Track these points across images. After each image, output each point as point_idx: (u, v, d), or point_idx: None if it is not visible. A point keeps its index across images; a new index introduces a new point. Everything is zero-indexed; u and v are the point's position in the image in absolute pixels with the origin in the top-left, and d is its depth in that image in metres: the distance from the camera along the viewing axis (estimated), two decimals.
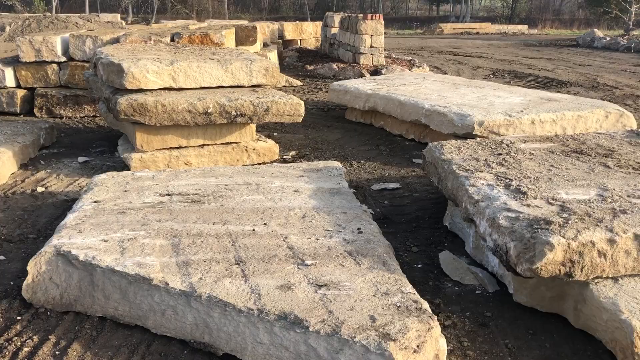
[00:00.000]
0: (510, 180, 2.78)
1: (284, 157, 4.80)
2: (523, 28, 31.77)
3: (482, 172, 2.92)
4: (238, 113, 4.06)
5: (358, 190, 4.02)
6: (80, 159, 4.55)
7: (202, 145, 4.31)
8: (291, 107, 4.15)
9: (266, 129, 5.77)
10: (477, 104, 4.91)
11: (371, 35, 10.06)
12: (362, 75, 9.19)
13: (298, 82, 9.01)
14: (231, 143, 4.40)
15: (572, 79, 9.98)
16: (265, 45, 11.35)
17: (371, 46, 10.11)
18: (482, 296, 2.58)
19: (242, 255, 2.43)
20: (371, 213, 3.60)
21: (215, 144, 4.33)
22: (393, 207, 3.69)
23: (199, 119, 4.03)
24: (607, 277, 2.28)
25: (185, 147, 4.25)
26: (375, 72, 9.46)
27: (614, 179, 2.82)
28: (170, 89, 4.20)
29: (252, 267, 2.33)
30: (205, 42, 6.44)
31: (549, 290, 2.40)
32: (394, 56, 13.13)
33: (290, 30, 15.13)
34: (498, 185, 2.73)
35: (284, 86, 8.76)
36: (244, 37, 7.88)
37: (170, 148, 4.21)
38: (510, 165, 3.01)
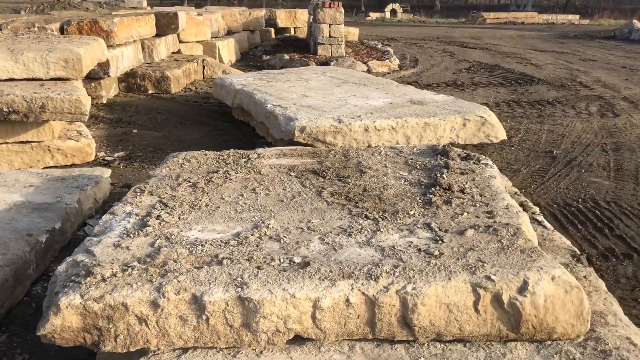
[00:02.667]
0: (164, 208, 2.26)
1: (107, 157, 4.37)
2: (574, 18, 29.74)
3: (152, 195, 2.40)
4: (11, 110, 3.65)
5: None
6: None
7: None
8: (70, 104, 3.70)
9: (132, 125, 5.37)
10: (326, 106, 4.33)
11: (330, 25, 9.45)
12: (308, 65, 8.61)
13: (238, 73, 8.52)
14: (30, 142, 4.00)
15: (547, 76, 9.06)
16: (230, 33, 10.92)
17: (330, 36, 9.50)
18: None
19: None
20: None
21: (8, 143, 3.95)
22: None
23: None
24: (179, 348, 1.75)
25: None
26: (324, 63, 8.86)
27: (296, 212, 2.25)
28: None
29: None
30: (94, 30, 6.07)
31: (122, 358, 1.89)
32: (379, 47, 12.43)
33: (283, 17, 14.60)
34: (138, 215, 2.21)
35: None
36: (166, 25, 7.48)
37: None
38: (202, 189, 2.48)
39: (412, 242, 2.01)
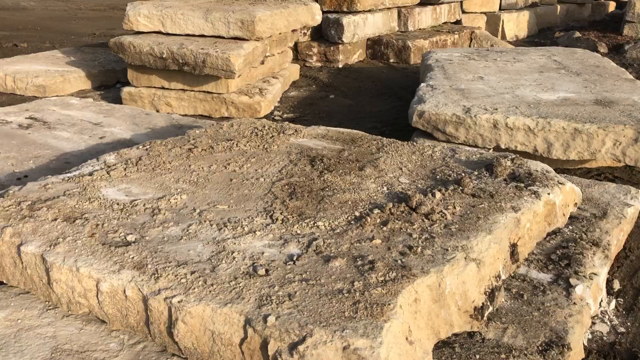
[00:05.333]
0: (130, 164, 2.38)
1: (276, 117, 4.65)
2: None
3: (145, 150, 2.54)
4: (183, 61, 4.20)
5: None
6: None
7: (183, 90, 4.60)
8: (222, 62, 4.03)
9: (335, 90, 5.52)
10: (485, 92, 3.69)
11: None
12: (595, 49, 7.27)
13: (508, 46, 7.76)
14: (212, 93, 4.55)
15: None
16: (534, 5, 9.88)
17: None
18: None
19: None
20: None
21: (194, 91, 4.56)
22: None
23: (158, 62, 4.34)
24: None
25: (167, 88, 4.62)
26: (617, 46, 7.34)
27: (222, 194, 2.13)
28: (160, 33, 4.59)
29: None
30: None
31: None
32: None
33: None
34: (107, 165, 2.39)
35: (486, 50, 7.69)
36: None
37: (155, 87, 4.65)
38: (191, 155, 2.51)
39: (262, 253, 1.72)
